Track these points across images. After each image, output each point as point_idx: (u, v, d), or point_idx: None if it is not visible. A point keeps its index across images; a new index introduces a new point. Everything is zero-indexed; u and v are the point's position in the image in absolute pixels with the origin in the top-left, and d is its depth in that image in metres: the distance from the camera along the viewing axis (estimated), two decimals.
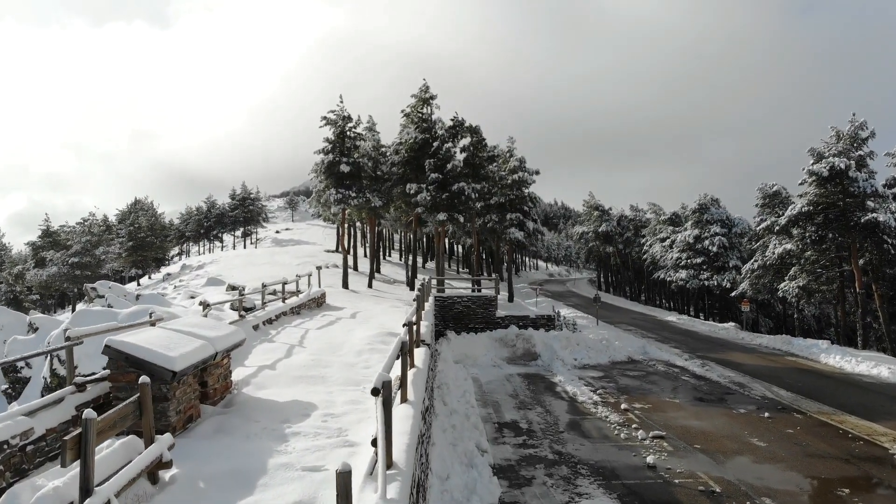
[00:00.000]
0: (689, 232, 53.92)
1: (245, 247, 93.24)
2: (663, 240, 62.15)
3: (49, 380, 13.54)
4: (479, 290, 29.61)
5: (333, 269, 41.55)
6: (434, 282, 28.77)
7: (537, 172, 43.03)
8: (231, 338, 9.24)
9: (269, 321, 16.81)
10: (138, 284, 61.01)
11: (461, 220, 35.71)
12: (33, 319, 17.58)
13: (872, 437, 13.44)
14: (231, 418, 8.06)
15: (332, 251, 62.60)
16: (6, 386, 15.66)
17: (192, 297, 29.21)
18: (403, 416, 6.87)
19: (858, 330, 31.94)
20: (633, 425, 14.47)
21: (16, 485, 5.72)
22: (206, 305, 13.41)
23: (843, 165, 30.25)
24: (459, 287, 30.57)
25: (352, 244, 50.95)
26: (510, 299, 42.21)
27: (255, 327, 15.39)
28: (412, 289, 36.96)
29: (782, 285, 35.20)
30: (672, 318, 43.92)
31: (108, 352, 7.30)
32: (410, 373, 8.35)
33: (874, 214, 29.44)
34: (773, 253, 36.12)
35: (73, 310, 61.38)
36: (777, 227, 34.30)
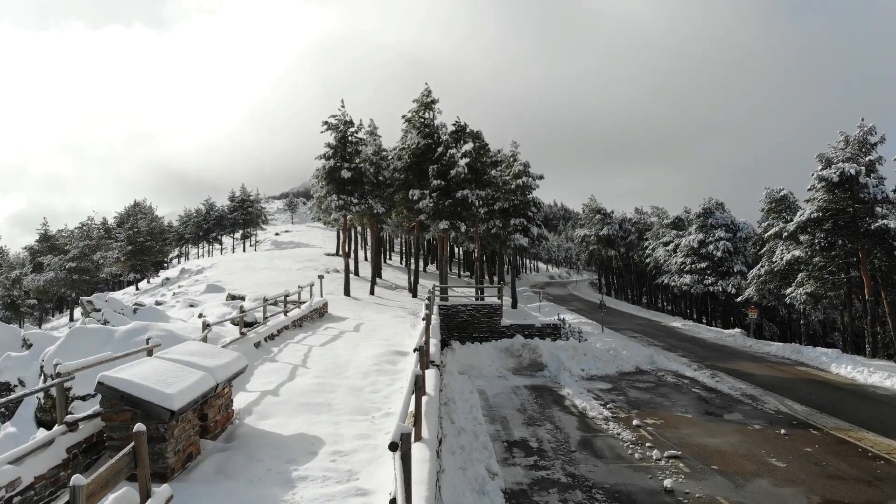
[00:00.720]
0: (694, 236, 53.43)
1: (244, 249, 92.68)
2: (667, 244, 61.67)
3: (43, 401, 13.08)
4: (483, 298, 29.17)
5: (335, 275, 41.08)
6: (438, 290, 28.34)
7: (541, 177, 42.28)
8: (233, 366, 8.76)
9: (271, 336, 16.34)
10: (137, 289, 60.46)
11: (463, 228, 35.14)
12: (28, 335, 17.11)
13: (893, 456, 13.05)
14: (233, 456, 7.56)
15: (333, 254, 62.07)
16: None
17: (192, 306, 28.77)
18: (420, 459, 6.42)
19: (867, 337, 31.51)
20: (647, 443, 14.03)
21: None
22: (206, 326, 12.95)
23: (853, 171, 29.81)
24: (462, 294, 30.10)
25: (353, 248, 50.46)
26: (514, 305, 41.74)
27: (257, 344, 14.92)
28: (414, 295, 36.49)
29: (789, 291, 34.74)
30: (677, 323, 43.49)
31: (101, 389, 6.82)
32: (423, 403, 7.89)
33: (885, 221, 29.08)
34: (782, 259, 35.66)
35: (71, 315, 60.91)
36: (786, 234, 33.86)
